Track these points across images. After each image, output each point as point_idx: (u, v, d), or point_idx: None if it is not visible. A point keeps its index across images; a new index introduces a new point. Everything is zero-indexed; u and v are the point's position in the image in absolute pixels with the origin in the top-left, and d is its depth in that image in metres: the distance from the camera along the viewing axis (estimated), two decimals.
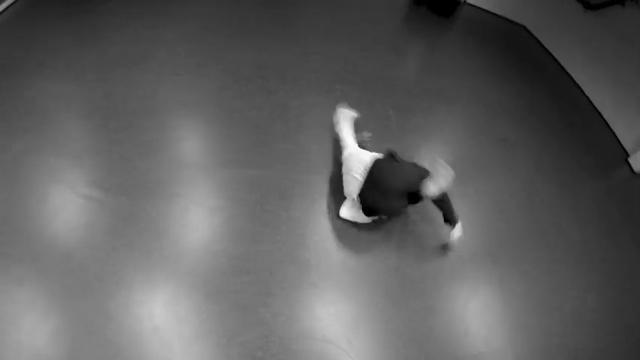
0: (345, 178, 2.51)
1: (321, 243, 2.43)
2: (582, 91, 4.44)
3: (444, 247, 2.58)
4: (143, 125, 2.65)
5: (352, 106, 3.28)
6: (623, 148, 3.98)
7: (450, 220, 2.48)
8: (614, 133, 4.11)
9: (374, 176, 2.34)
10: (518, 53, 4.71)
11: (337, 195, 2.68)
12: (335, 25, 4.03)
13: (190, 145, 2.68)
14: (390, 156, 2.51)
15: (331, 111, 3.18)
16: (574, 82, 4.53)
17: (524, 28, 5.22)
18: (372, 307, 2.28)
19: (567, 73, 4.61)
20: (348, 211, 2.51)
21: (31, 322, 1.82)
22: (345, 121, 2.70)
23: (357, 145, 2.61)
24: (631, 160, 3.82)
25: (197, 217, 2.37)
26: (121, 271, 2.07)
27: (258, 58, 3.39)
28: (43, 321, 1.84)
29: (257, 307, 2.09)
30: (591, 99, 4.36)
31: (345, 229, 2.55)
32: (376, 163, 2.36)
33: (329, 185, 2.71)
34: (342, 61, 3.67)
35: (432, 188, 2.24)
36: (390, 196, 2.30)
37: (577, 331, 2.55)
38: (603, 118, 4.22)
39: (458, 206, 2.65)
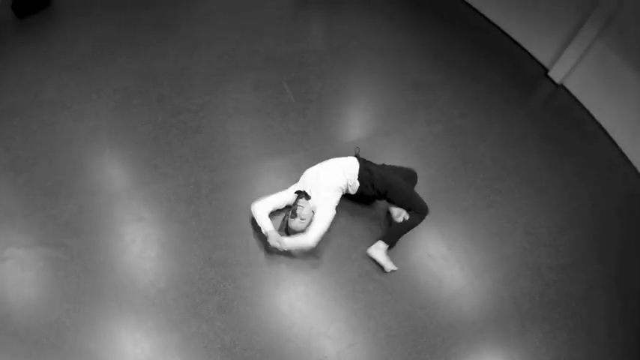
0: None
1: (242, 241, 2.21)
2: (490, 21, 4.41)
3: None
4: (45, 173, 2.35)
5: (249, 90, 3.07)
6: (542, 66, 3.98)
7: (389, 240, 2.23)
8: (530, 55, 4.10)
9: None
10: None
11: (244, 185, 2.47)
12: (225, 14, 3.79)
13: (89, 179, 2.38)
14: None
15: (227, 102, 2.94)
16: (482, 15, 4.50)
17: None
18: (320, 284, 2.11)
19: (475, 9, 4.58)
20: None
21: None
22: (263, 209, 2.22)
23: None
24: (551, 74, 3.82)
25: (113, 250, 2.08)
26: (70, 328, 1.80)
27: (148, 67, 3.11)
28: None
29: (192, 320, 1.90)
30: (501, 27, 4.33)
31: None
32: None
33: (234, 178, 2.49)
34: (238, 49, 3.43)
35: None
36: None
37: (534, 250, 2.47)
38: (517, 43, 4.21)
39: (383, 160, 2.49)
